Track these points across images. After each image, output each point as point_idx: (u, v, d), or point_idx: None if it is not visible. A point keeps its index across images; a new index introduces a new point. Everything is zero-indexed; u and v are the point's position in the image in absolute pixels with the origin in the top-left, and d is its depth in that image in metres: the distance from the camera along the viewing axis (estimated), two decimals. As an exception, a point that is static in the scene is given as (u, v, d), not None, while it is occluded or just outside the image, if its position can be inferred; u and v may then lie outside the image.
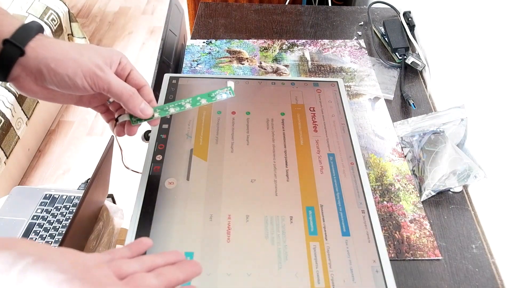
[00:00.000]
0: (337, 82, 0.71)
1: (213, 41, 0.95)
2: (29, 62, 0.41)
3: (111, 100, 0.51)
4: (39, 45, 0.41)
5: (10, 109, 1.50)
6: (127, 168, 0.53)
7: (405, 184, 0.67)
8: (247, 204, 0.52)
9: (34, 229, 0.89)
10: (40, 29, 0.43)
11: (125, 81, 0.47)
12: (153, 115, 0.48)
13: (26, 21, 0.43)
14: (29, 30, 0.41)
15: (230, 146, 0.59)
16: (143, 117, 0.48)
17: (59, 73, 0.41)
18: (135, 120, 0.48)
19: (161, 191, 0.53)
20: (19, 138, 1.57)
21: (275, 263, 0.47)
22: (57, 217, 0.92)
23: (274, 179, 0.55)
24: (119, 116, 0.49)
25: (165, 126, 0.61)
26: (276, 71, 0.88)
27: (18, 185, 1.63)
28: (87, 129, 1.87)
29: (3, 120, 1.46)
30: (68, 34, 2.00)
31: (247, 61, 0.90)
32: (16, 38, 0.40)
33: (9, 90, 1.53)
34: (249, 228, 0.50)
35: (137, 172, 0.55)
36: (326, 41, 0.96)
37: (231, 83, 0.52)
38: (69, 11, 1.99)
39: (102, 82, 0.43)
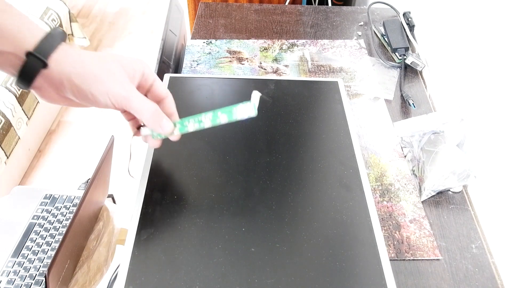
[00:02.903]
0: (337, 82, 0.71)
1: (213, 41, 0.95)
2: (51, 73, 0.41)
3: None
4: (62, 56, 0.41)
5: (10, 109, 1.50)
6: (132, 177, 0.53)
7: (405, 184, 0.67)
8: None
9: (34, 229, 0.89)
10: (63, 37, 0.42)
11: (147, 92, 0.47)
12: (173, 131, 0.48)
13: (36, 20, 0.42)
14: (52, 41, 0.41)
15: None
16: (163, 134, 0.47)
17: (83, 90, 0.41)
18: (156, 134, 0.48)
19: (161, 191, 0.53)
20: (19, 138, 1.58)
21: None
22: (57, 217, 0.92)
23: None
24: (142, 127, 0.49)
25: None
26: (276, 71, 0.88)
27: (19, 185, 1.63)
28: (87, 129, 1.87)
29: (3, 120, 1.47)
30: (68, 34, 2.00)
31: (247, 61, 0.90)
32: (39, 50, 0.40)
33: (10, 90, 1.53)
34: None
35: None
36: (326, 41, 0.97)
37: (256, 98, 0.46)
38: (69, 11, 1.99)
39: (124, 100, 0.43)
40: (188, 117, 0.49)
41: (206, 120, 0.48)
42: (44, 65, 0.40)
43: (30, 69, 0.40)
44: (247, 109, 0.47)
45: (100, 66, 0.42)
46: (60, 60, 0.40)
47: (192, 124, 0.48)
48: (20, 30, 0.40)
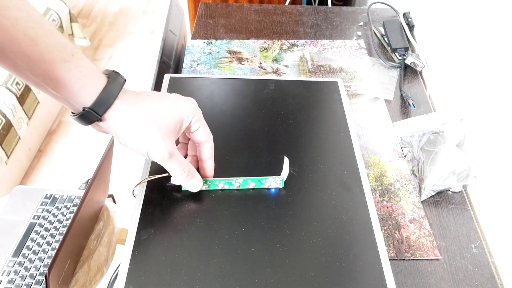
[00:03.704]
0: (337, 82, 0.71)
1: (213, 41, 0.95)
2: (103, 124, 0.44)
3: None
4: (115, 114, 0.43)
5: (11, 109, 1.51)
6: (134, 196, 0.54)
7: (405, 184, 0.68)
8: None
9: (35, 229, 0.89)
10: (121, 87, 0.44)
11: (190, 134, 0.50)
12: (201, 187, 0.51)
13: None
14: (109, 96, 0.42)
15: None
16: (191, 191, 0.51)
17: (126, 145, 0.45)
18: (185, 188, 0.52)
19: (161, 190, 0.53)
20: (20, 138, 1.58)
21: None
22: (58, 217, 0.92)
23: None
24: (171, 178, 0.51)
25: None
26: (276, 72, 0.88)
27: (19, 185, 1.63)
28: (87, 129, 1.87)
29: (4, 120, 1.47)
30: (68, 35, 2.00)
31: (247, 62, 0.90)
32: (95, 108, 0.42)
33: (10, 91, 1.53)
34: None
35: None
36: (326, 41, 0.97)
37: (286, 167, 0.53)
38: (69, 12, 1.99)
39: (159, 161, 0.46)
40: (220, 178, 0.52)
41: (236, 184, 0.53)
42: (99, 119, 0.43)
43: (86, 118, 0.43)
44: (275, 183, 0.53)
45: (145, 131, 0.44)
46: (113, 117, 0.43)
47: (222, 185, 0.52)
48: (79, 83, 0.41)
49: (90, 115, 0.42)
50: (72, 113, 0.44)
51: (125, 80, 0.44)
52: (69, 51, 0.40)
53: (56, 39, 0.40)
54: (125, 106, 0.44)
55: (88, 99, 0.42)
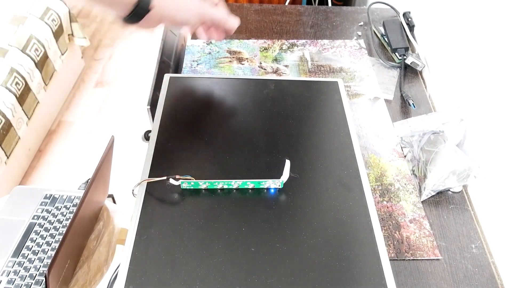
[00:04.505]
0: (337, 82, 0.71)
1: (213, 41, 0.95)
2: (152, 14, 0.52)
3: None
4: (160, 2, 0.53)
5: (10, 109, 1.50)
6: (134, 196, 0.54)
7: (405, 184, 0.68)
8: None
9: (34, 229, 0.89)
10: None
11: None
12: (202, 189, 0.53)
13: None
14: None
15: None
16: (233, 29, 0.61)
17: (176, 22, 0.56)
18: (185, 187, 0.53)
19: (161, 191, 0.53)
20: (19, 138, 1.58)
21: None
22: (57, 217, 0.92)
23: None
24: (171, 178, 0.53)
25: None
26: (276, 71, 0.88)
27: (19, 185, 1.63)
28: (87, 129, 1.87)
29: (3, 120, 1.47)
30: (68, 35, 2.00)
31: (247, 61, 0.90)
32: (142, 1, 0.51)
33: (10, 91, 1.53)
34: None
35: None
36: (326, 41, 0.97)
37: (287, 169, 0.53)
38: (69, 12, 1.99)
39: (207, 20, 0.58)
40: (219, 180, 0.53)
41: (235, 185, 0.53)
42: (148, 11, 0.52)
43: (138, 13, 0.51)
44: (275, 184, 0.54)
45: (188, 2, 0.56)
46: (159, 5, 0.52)
47: (221, 185, 0.53)
48: None
49: (142, 9, 0.51)
50: (122, 19, 0.51)
51: None
52: None
53: None
54: None
55: None
